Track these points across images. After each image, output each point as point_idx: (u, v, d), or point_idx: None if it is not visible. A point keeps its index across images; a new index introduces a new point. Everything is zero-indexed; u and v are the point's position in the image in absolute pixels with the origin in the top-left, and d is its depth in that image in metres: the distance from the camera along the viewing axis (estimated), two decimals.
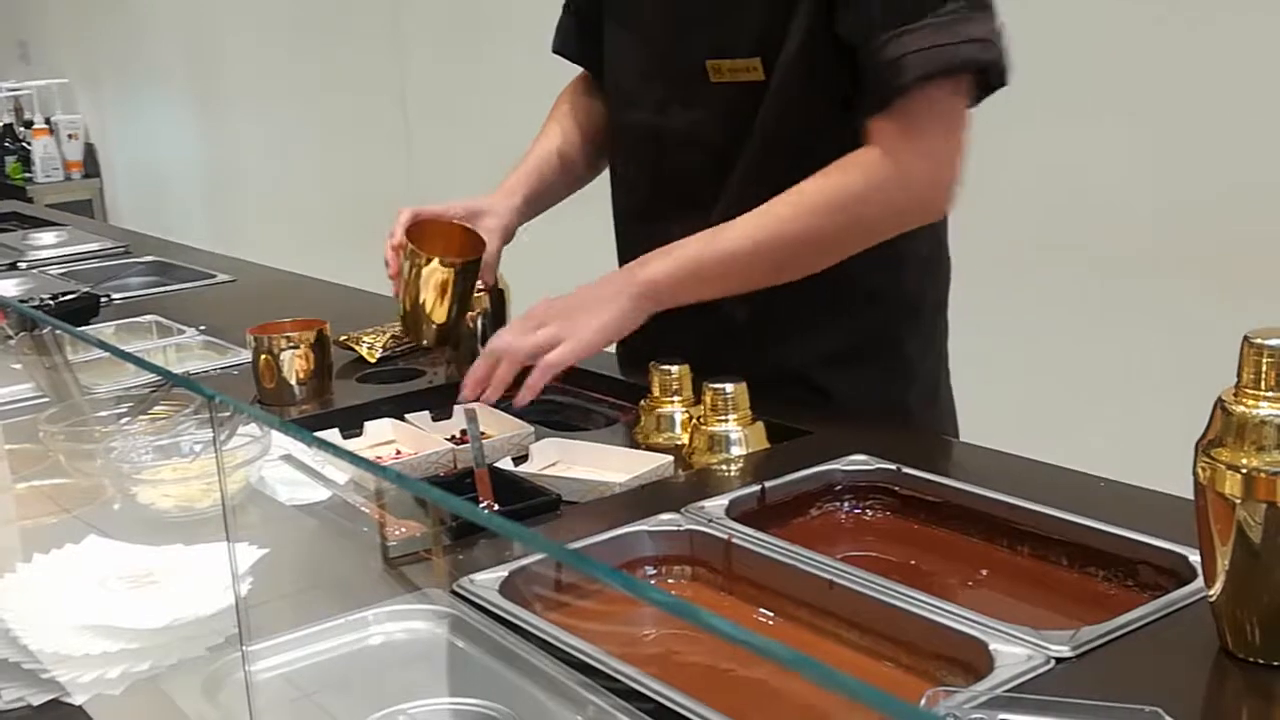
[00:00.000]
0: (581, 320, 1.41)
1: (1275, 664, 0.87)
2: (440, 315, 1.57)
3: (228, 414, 0.87)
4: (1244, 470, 0.83)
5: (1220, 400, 0.86)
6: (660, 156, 1.58)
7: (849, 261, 1.46)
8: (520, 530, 0.49)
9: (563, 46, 1.76)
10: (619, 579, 0.46)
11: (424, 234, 1.59)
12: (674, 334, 1.50)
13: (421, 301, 1.55)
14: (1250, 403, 0.84)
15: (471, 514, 0.56)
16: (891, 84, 1.35)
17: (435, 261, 1.54)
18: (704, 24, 1.49)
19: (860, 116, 1.40)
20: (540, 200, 1.73)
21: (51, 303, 2.15)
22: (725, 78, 1.47)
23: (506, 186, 1.70)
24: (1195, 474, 0.87)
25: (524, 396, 1.40)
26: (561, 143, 1.75)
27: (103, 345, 1.22)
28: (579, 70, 1.79)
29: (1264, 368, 0.83)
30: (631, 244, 1.65)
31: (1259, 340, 0.84)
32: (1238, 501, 0.84)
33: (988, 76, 1.38)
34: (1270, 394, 0.83)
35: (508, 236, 1.67)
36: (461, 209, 1.64)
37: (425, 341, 1.61)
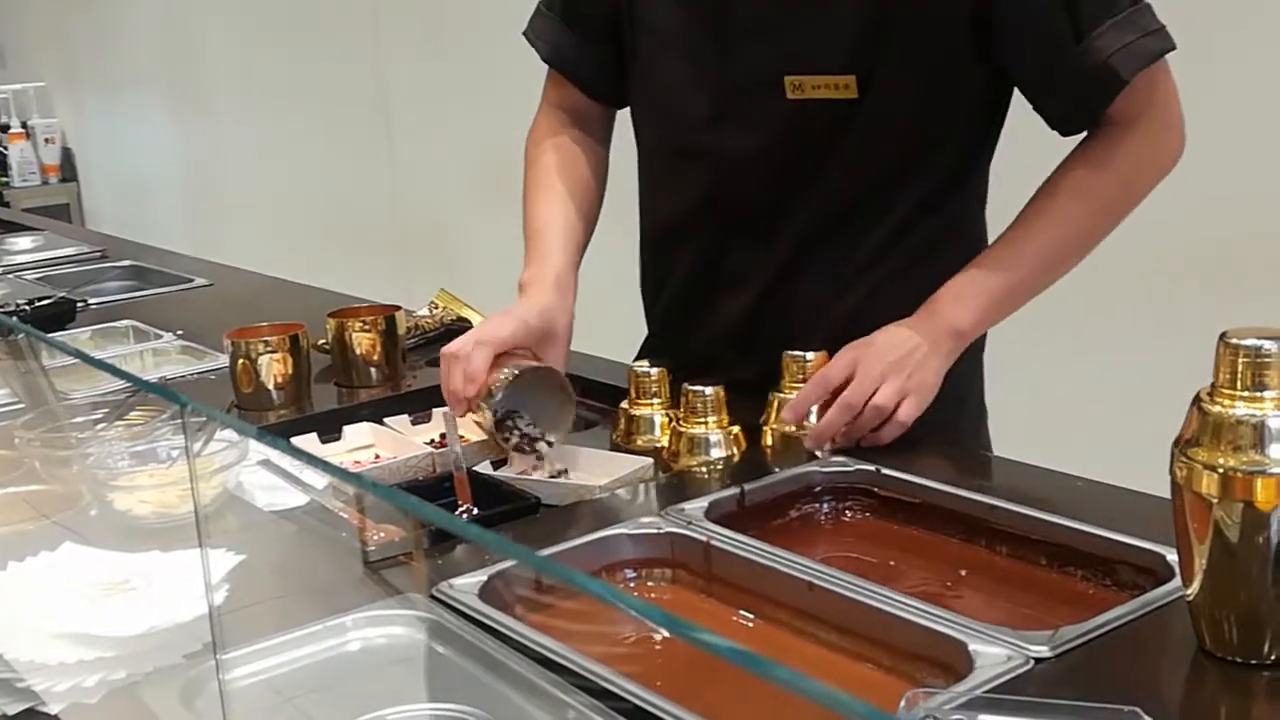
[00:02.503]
0: (918, 376, 1.32)
1: (1252, 662, 0.87)
2: None
3: (202, 420, 0.86)
4: (1220, 470, 0.84)
5: (1197, 400, 0.86)
6: (711, 178, 1.48)
7: (896, 298, 1.42)
8: (491, 537, 0.48)
9: (566, 64, 1.62)
10: (588, 585, 0.46)
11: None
12: (716, 364, 1.49)
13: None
14: (1226, 402, 0.84)
15: (445, 521, 0.56)
16: (1110, 84, 1.33)
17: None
18: (781, 36, 1.40)
19: (1074, 128, 1.40)
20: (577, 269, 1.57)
21: (27, 308, 2.14)
22: (805, 95, 1.39)
23: (556, 279, 1.47)
24: (1172, 474, 0.87)
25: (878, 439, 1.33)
26: (572, 209, 1.57)
27: (74, 352, 1.22)
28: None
29: (1240, 367, 0.84)
30: (663, 266, 1.61)
31: (1235, 340, 0.84)
32: (1214, 501, 0.84)
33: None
34: (1246, 393, 0.83)
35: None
36: (525, 335, 1.40)
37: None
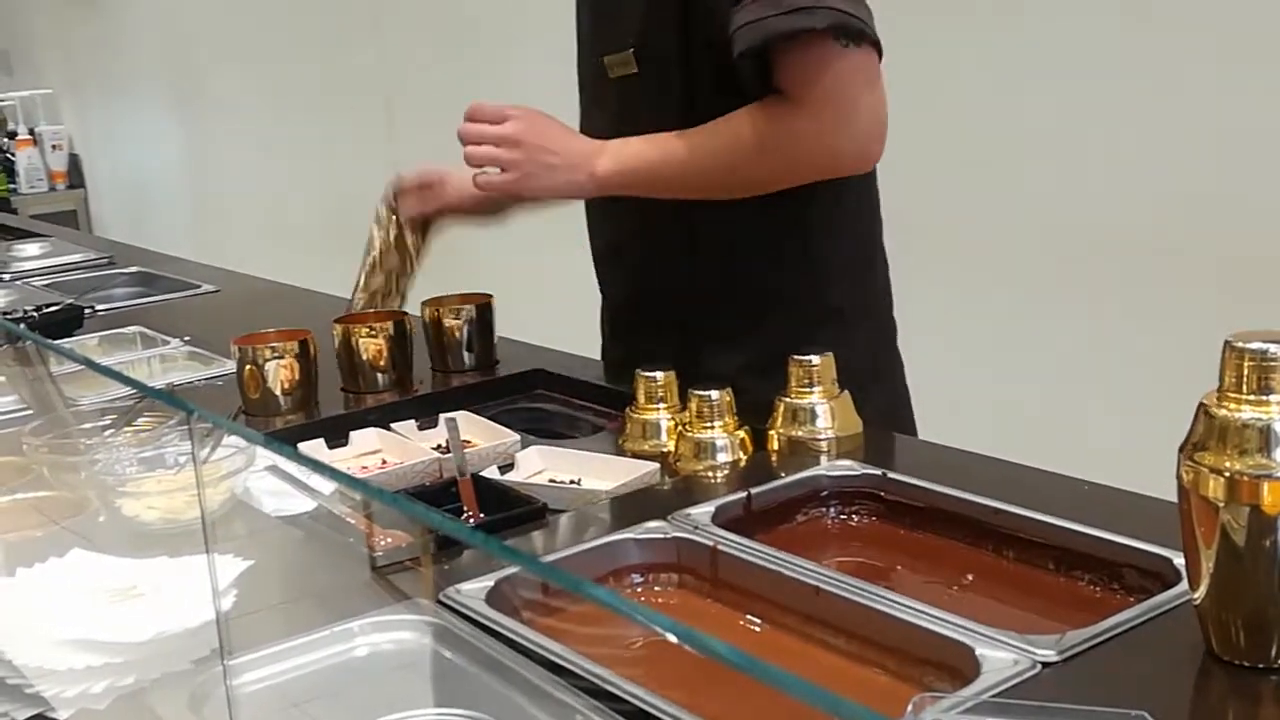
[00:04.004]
0: (540, 178, 1.51)
1: (1260, 665, 0.87)
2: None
3: (208, 426, 0.86)
4: (1227, 474, 0.84)
5: (1203, 404, 0.86)
6: None
7: (766, 269, 1.53)
8: (496, 543, 0.48)
9: None
10: (591, 591, 0.46)
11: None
12: (622, 344, 1.61)
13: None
14: (1232, 406, 0.84)
15: (451, 528, 0.56)
16: (738, 57, 1.39)
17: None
18: (600, 21, 1.56)
19: (750, 94, 1.44)
20: None
21: (35, 315, 2.14)
22: (616, 73, 1.52)
23: None
24: (1179, 477, 0.87)
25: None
26: None
27: (80, 359, 1.22)
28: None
29: (1245, 371, 0.84)
30: (591, 234, 1.73)
31: (1240, 344, 0.84)
32: (1221, 505, 0.84)
33: (849, 35, 1.38)
34: (1252, 397, 0.83)
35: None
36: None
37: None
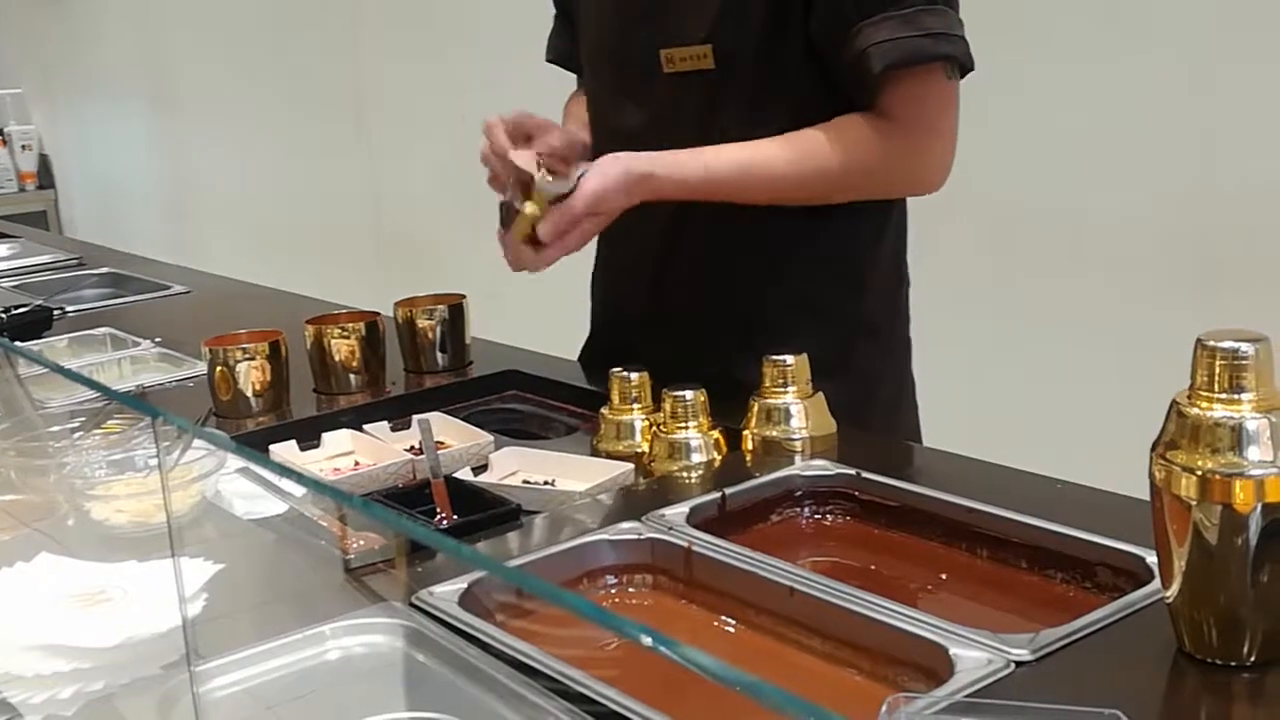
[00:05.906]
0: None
1: (1232, 664, 0.87)
2: None
3: (174, 429, 0.86)
4: (1199, 472, 0.84)
5: (1175, 402, 0.86)
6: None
7: (805, 283, 1.50)
8: (468, 550, 0.48)
9: (552, 53, 1.74)
10: (559, 597, 0.45)
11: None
12: (637, 347, 1.54)
13: None
14: (1204, 405, 0.84)
15: (421, 534, 0.55)
16: (863, 77, 1.37)
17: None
18: (658, 11, 1.47)
19: (856, 109, 1.42)
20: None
21: (4, 316, 2.12)
22: (677, 68, 1.46)
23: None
24: (1151, 476, 0.87)
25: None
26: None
27: (46, 363, 1.21)
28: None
29: (1217, 370, 0.84)
30: (596, 254, 1.68)
31: (1212, 342, 0.84)
32: (1193, 503, 0.84)
33: (960, 64, 1.40)
34: (1224, 396, 0.84)
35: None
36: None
37: None
